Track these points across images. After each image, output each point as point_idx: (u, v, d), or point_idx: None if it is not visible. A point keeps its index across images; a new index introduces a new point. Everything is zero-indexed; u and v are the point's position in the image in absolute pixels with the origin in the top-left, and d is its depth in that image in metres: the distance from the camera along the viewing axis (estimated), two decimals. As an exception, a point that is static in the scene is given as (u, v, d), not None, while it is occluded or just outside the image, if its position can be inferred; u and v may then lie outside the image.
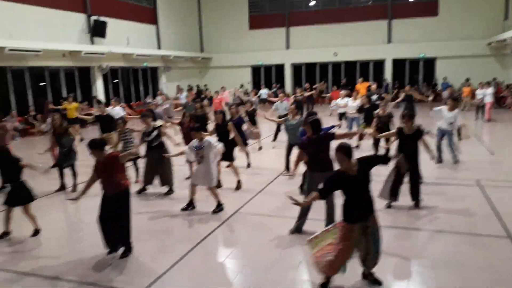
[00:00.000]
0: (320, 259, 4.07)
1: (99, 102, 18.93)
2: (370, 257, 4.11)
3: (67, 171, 8.14)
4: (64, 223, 6.82)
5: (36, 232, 5.89)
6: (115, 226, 5.00)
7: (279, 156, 10.80)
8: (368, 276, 4.29)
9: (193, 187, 6.67)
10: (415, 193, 6.48)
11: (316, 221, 5.60)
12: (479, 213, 6.20)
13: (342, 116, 13.76)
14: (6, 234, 5.85)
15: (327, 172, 5.32)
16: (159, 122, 7.99)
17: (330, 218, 5.45)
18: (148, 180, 7.76)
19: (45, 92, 18.16)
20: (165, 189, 7.76)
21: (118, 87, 22.67)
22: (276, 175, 8.71)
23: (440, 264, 4.65)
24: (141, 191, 7.78)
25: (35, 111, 16.46)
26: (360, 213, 4.02)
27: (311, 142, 5.45)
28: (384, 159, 4.45)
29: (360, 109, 11.62)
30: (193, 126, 6.84)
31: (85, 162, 8.86)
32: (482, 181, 7.75)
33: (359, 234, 4.00)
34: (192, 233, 5.85)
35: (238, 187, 7.81)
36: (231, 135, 8.13)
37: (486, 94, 15.88)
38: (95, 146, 4.95)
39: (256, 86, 27.40)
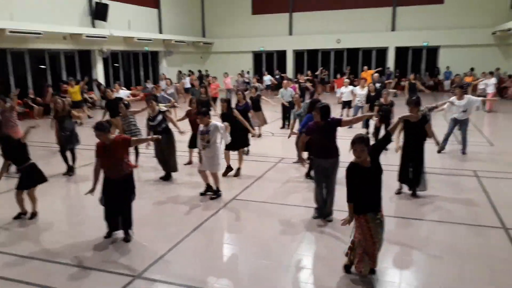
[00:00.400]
0: (359, 264, 4.08)
1: (99, 85, 19.04)
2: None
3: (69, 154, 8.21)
4: (64, 206, 6.86)
5: (33, 215, 5.93)
6: (119, 209, 5.03)
7: (278, 143, 10.83)
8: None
9: (202, 173, 6.66)
10: (416, 182, 6.48)
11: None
12: (476, 204, 6.23)
13: (346, 104, 13.72)
14: (23, 214, 5.91)
15: (333, 159, 5.46)
16: (163, 107, 7.94)
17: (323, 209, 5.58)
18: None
19: (45, 75, 18.10)
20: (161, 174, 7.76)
21: (119, 71, 22.57)
22: (275, 162, 8.73)
23: (438, 253, 4.69)
24: (166, 178, 7.70)
25: (34, 94, 16.43)
26: (370, 205, 4.02)
27: (319, 129, 5.42)
28: (386, 139, 4.34)
29: (367, 98, 11.63)
30: (199, 110, 6.72)
31: (85, 146, 8.92)
32: (480, 172, 7.76)
33: (375, 224, 3.99)
34: (191, 218, 5.88)
35: (237, 174, 7.84)
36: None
37: (489, 84, 15.79)
38: (103, 128, 4.84)
39: (258, 73, 27.28)
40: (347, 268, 4.27)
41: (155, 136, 5.64)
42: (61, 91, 16.44)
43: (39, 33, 15.60)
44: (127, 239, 5.11)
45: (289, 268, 4.50)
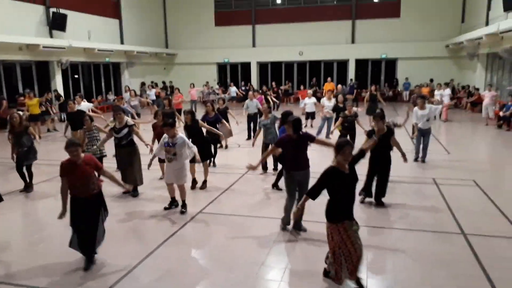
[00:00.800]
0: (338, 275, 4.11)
1: (59, 96, 18.40)
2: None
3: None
4: (23, 224, 6.52)
5: None
6: (90, 228, 4.74)
7: (245, 154, 10.83)
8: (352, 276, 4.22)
9: (169, 186, 6.53)
10: (382, 192, 6.66)
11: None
12: (438, 210, 6.46)
13: (309, 115, 13.96)
14: None
15: (304, 170, 5.53)
16: (131, 120, 7.67)
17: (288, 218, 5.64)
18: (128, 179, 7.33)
19: (0, 87, 17.32)
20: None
21: (79, 83, 21.94)
22: (242, 173, 8.71)
23: (407, 260, 4.81)
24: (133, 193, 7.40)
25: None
26: (347, 213, 4.07)
27: (291, 141, 5.44)
28: (361, 155, 4.43)
29: (334, 109, 11.91)
30: (166, 122, 6.48)
31: (44, 161, 8.56)
32: (439, 180, 8.07)
33: (353, 230, 4.01)
34: (157, 233, 5.75)
35: (204, 186, 7.76)
36: (204, 133, 8.04)
37: (444, 95, 16.55)
38: (76, 145, 4.61)
39: (223, 84, 27.30)
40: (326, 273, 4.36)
41: (127, 185, 5.51)
42: (17, 104, 15.81)
43: (-7, 44, 14.95)
44: (88, 267, 4.76)
45: (257, 280, 4.47)
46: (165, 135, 6.35)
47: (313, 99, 14.30)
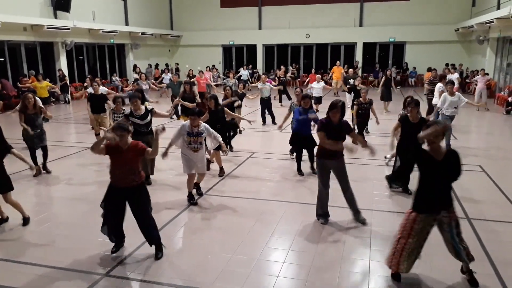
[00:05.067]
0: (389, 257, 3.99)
1: (63, 77, 18.34)
2: (453, 255, 3.95)
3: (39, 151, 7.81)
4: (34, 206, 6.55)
5: (25, 221, 5.48)
6: (142, 222, 4.51)
7: (259, 138, 10.79)
8: (465, 273, 4.07)
9: (191, 177, 6.21)
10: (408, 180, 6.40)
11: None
12: (486, 198, 6.35)
13: (317, 100, 13.82)
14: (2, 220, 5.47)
15: (339, 159, 5.22)
16: (149, 105, 7.39)
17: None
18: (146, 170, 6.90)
19: (5, 68, 17.28)
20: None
21: (83, 64, 21.85)
22: (247, 156, 8.68)
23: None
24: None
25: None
26: (431, 204, 3.78)
27: (331, 127, 5.10)
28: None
29: (350, 89, 11.81)
30: (193, 110, 6.10)
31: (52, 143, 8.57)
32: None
33: (425, 228, 3.81)
34: (161, 215, 5.74)
35: (221, 174, 7.52)
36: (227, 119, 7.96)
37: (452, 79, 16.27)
38: (124, 129, 4.30)
39: (227, 67, 27.09)
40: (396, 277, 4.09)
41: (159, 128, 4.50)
42: (20, 85, 15.76)
43: (-3, 24, 14.85)
44: (158, 255, 4.56)
45: (260, 264, 4.47)
46: (184, 124, 6.07)
47: (322, 84, 14.13)
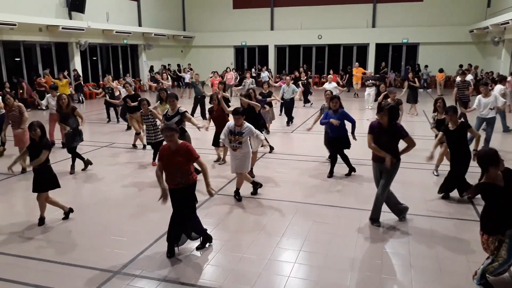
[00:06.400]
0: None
1: (77, 77, 18.55)
2: None
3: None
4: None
5: (67, 215, 5.65)
6: (181, 222, 4.54)
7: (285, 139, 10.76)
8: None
9: (239, 175, 6.28)
10: (465, 185, 6.17)
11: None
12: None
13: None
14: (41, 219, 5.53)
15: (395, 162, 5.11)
16: (182, 108, 7.40)
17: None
18: None
19: (20, 68, 17.57)
20: None
21: (97, 65, 22.10)
22: (259, 156, 8.67)
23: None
24: None
25: (9, 88, 15.91)
26: (500, 226, 3.77)
27: (382, 131, 5.04)
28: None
29: (380, 78, 11.78)
30: (237, 110, 6.11)
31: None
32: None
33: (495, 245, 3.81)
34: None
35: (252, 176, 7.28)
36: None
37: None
38: (171, 130, 4.33)
39: (240, 68, 27.13)
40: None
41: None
42: (35, 85, 16.01)
43: (14, 24, 15.10)
44: (204, 244, 4.76)
45: (270, 263, 4.46)
46: (230, 122, 6.13)
47: (333, 84, 14.07)
